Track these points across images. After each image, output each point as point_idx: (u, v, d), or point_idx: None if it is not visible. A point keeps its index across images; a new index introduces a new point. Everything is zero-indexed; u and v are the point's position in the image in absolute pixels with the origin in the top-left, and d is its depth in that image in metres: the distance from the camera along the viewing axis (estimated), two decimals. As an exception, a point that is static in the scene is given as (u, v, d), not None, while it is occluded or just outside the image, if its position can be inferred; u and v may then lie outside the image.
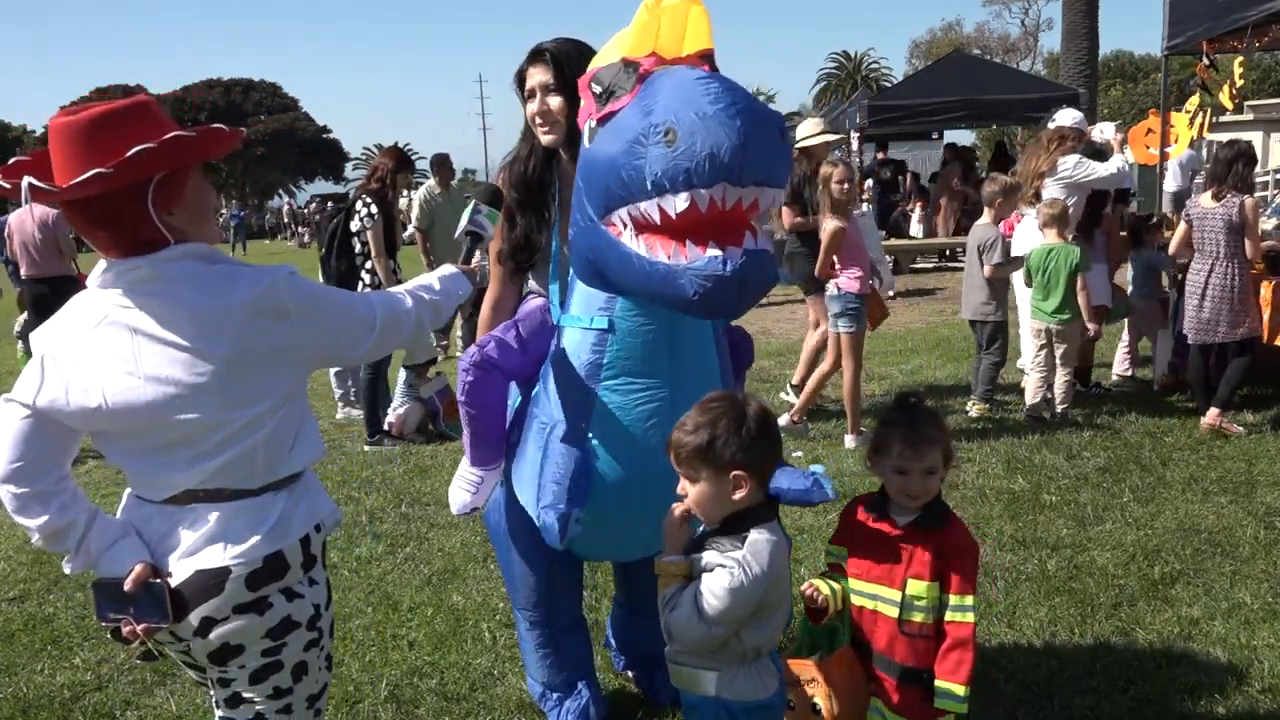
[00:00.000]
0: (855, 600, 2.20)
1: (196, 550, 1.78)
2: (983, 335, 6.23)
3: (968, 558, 2.14)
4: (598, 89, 1.95)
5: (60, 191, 1.66)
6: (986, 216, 6.20)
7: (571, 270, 2.25)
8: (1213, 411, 5.53)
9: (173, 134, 1.69)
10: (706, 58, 1.96)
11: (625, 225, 1.87)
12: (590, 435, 2.27)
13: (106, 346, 1.74)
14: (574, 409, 2.27)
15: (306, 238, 31.03)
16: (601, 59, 2.03)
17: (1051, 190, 6.17)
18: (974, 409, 6.18)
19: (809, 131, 6.47)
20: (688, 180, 1.68)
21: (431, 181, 8.40)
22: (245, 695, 1.88)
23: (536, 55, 2.48)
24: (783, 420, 5.72)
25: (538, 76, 2.48)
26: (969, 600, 2.11)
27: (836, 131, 6.65)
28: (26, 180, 1.66)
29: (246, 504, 1.80)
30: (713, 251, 1.74)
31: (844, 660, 2.17)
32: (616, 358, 2.20)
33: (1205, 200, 5.55)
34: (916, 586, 2.11)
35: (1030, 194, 6.26)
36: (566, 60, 2.44)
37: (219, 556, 1.77)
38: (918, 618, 2.11)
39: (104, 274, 1.78)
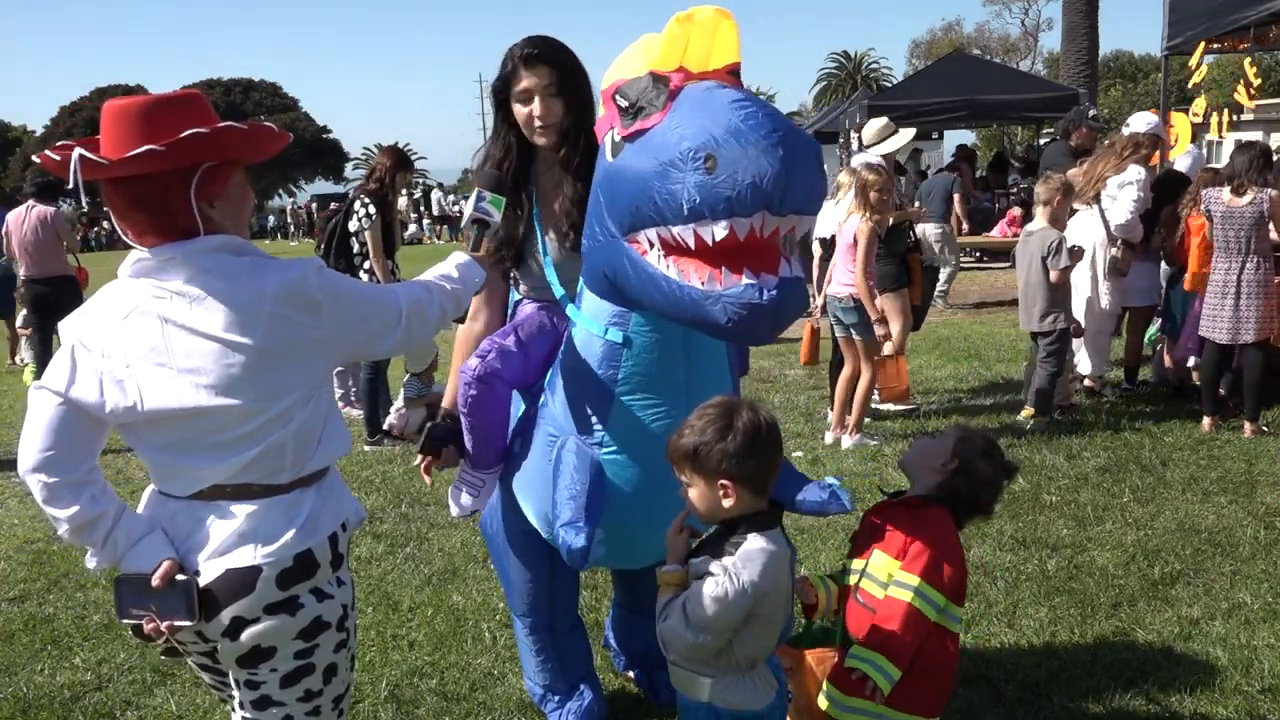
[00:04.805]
0: (847, 580, 2.24)
1: (227, 549, 1.75)
2: (1046, 345, 5.69)
3: (931, 543, 2.11)
4: (624, 102, 1.89)
5: (111, 165, 1.66)
6: (1041, 218, 5.72)
7: (580, 275, 2.23)
8: (1248, 425, 5.54)
9: (225, 124, 1.70)
10: (734, 72, 1.92)
11: (653, 245, 1.82)
12: (603, 450, 2.23)
13: (137, 336, 1.72)
14: (586, 423, 2.23)
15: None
16: (622, 68, 1.99)
17: (1112, 193, 6.07)
18: (1023, 414, 5.92)
19: (886, 134, 6.27)
20: (728, 208, 1.64)
21: None
22: (276, 698, 1.85)
23: (532, 59, 2.40)
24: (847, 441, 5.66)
25: (538, 79, 2.40)
26: (914, 580, 2.07)
27: (901, 130, 6.59)
28: (77, 151, 1.65)
29: (276, 501, 1.78)
30: (748, 279, 1.70)
31: (822, 658, 2.20)
32: (632, 373, 2.15)
33: (1227, 197, 5.42)
34: (879, 558, 2.13)
35: (1091, 195, 6.13)
36: (570, 62, 2.41)
37: (249, 555, 1.75)
38: (871, 588, 2.13)
39: (136, 264, 1.76)
